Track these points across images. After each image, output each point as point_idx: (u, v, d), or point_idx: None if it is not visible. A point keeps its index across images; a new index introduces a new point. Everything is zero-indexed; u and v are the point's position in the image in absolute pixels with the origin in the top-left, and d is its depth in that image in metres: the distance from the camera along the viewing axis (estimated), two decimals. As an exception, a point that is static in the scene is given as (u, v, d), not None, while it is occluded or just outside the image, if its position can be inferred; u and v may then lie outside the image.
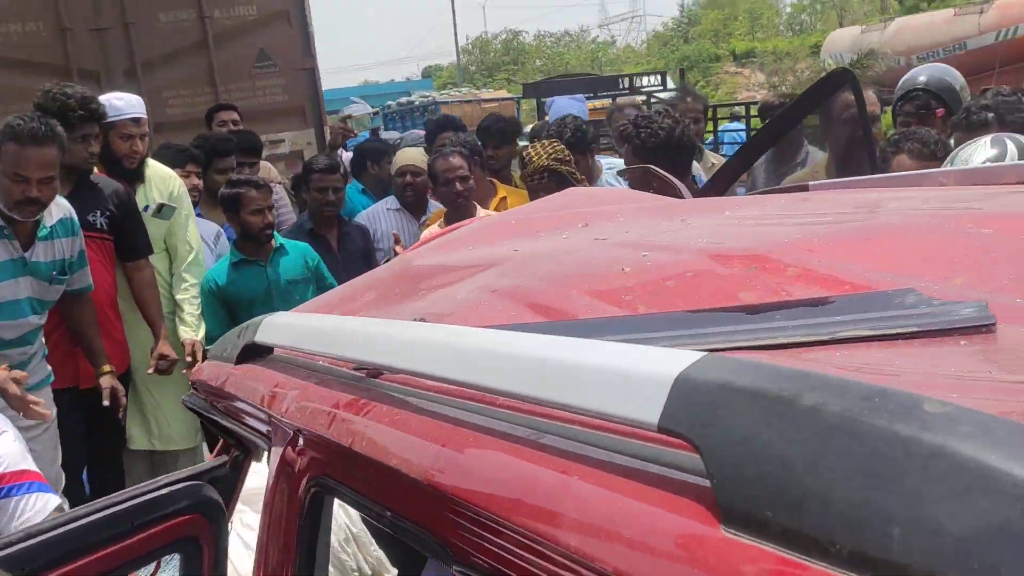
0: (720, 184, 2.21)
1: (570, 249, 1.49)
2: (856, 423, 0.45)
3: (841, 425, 0.46)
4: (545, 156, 3.69)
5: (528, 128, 6.13)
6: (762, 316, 0.96)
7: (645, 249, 1.38)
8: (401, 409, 0.94)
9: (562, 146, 3.67)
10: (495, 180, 4.78)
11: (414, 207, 4.87)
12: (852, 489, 0.44)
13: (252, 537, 2.27)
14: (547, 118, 5.61)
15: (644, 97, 8.97)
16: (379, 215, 4.91)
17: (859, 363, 0.81)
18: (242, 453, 1.87)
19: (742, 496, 0.49)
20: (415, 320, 1.23)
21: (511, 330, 0.85)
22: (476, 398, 0.88)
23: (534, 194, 3.71)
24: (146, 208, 3.89)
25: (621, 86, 8.78)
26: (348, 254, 4.32)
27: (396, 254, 3.90)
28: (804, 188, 1.93)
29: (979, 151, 2.31)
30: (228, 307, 3.99)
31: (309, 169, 4.52)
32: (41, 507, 2.12)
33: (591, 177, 4.40)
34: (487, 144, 5.09)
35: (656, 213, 1.74)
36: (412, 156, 4.92)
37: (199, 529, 1.10)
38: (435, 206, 5.02)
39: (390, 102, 20.71)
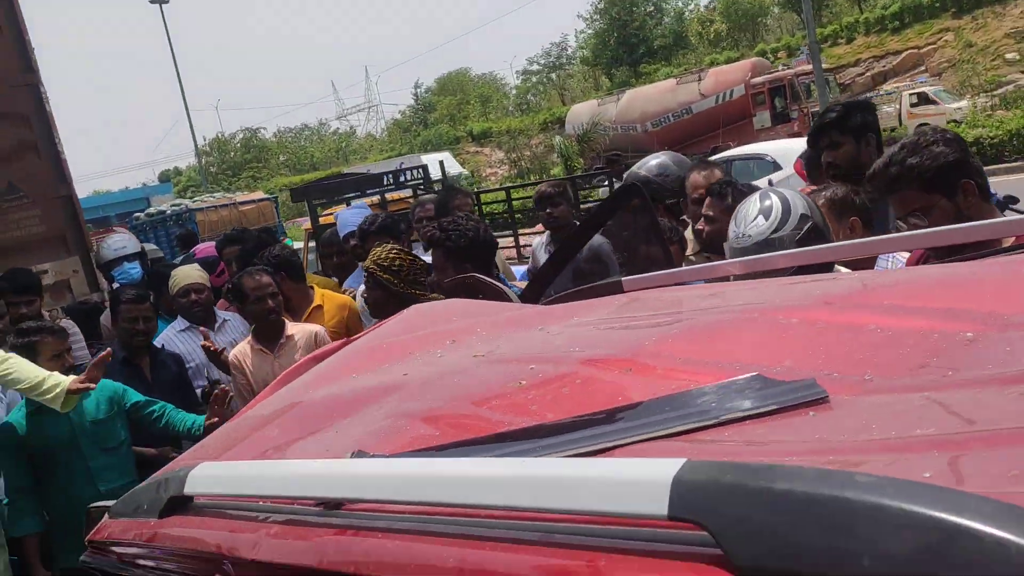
0: (535, 291, 2.52)
1: (458, 369, 1.72)
2: (817, 495, 0.73)
3: (807, 499, 0.74)
4: (371, 259, 3.86)
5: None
6: (656, 410, 1.25)
7: (527, 363, 1.64)
8: (399, 534, 1.13)
9: (396, 253, 3.84)
10: (315, 286, 4.93)
11: (203, 320, 4.91)
12: (824, 538, 0.71)
13: None
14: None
15: (410, 192, 9.39)
16: (171, 340, 4.89)
17: (748, 438, 1.11)
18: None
19: (750, 555, 0.75)
20: (352, 454, 1.41)
21: (473, 453, 1.07)
22: (466, 515, 1.09)
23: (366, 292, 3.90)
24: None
25: (387, 182, 9.14)
26: (162, 383, 4.26)
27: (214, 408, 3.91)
28: (618, 285, 2.28)
29: (751, 207, 2.75)
30: (28, 456, 3.80)
31: (117, 299, 4.44)
32: None
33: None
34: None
35: (511, 325, 2.01)
36: (190, 274, 5.00)
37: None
38: (223, 315, 5.06)
39: (138, 213, 19.87)
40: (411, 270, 3.76)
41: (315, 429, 1.70)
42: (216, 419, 3.85)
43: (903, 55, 34.38)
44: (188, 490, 1.53)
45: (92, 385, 3.71)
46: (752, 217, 2.75)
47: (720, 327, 1.60)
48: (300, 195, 9.08)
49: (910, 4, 35.38)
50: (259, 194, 23.12)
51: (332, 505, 1.33)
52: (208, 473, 1.52)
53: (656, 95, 30.59)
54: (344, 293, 5.17)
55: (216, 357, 4.53)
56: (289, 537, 1.32)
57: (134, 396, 3.98)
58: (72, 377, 3.76)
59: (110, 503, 2.77)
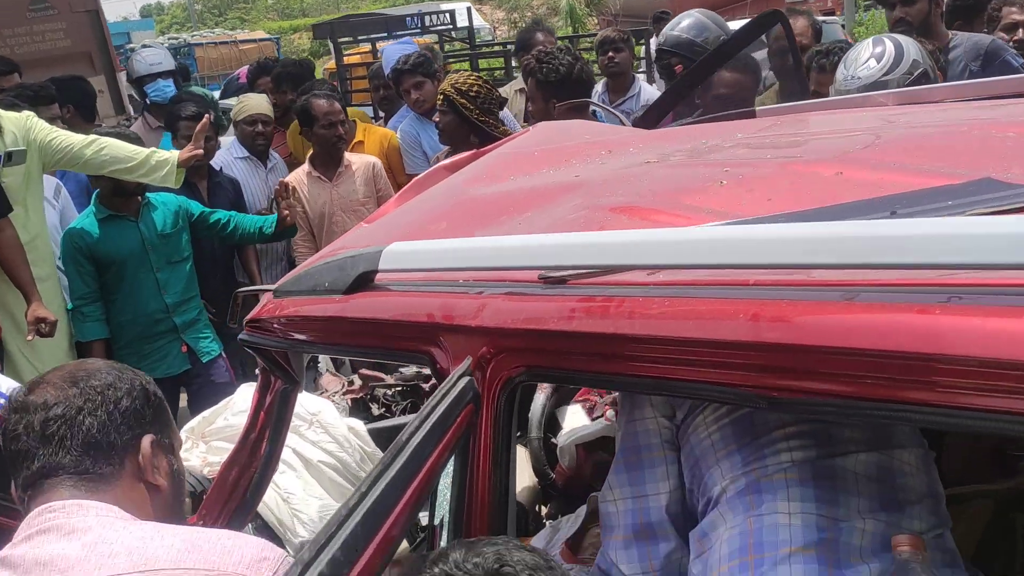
0: (653, 117, 2.51)
1: (638, 172, 1.73)
2: None
3: None
4: (449, 83, 3.79)
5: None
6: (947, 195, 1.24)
7: (716, 167, 1.66)
8: (669, 298, 1.16)
9: (475, 80, 3.77)
10: (356, 120, 4.86)
11: (262, 154, 4.84)
12: None
13: (304, 455, 2.35)
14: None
15: (435, 37, 9.12)
16: (229, 164, 4.83)
17: None
18: (290, 385, 1.97)
19: None
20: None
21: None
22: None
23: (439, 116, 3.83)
24: (-4, 160, 3.59)
25: (410, 26, 8.85)
26: (218, 205, 4.23)
27: (281, 203, 3.89)
28: (751, 114, 2.28)
29: (863, 51, 2.75)
30: (96, 265, 3.80)
31: (176, 116, 4.35)
32: None
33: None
34: (282, 90, 5.22)
35: (664, 139, 2.01)
36: (260, 104, 4.86)
37: (474, 419, 1.26)
38: (275, 156, 5.00)
39: (131, 45, 19.18)
40: (487, 98, 3.71)
41: (494, 220, 1.72)
42: (288, 212, 3.85)
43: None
44: (383, 265, 1.55)
45: (200, 152, 3.68)
46: (863, 60, 2.75)
47: (908, 139, 1.61)
48: (323, 32, 8.79)
49: None
50: (260, 33, 22.37)
51: (556, 282, 1.36)
52: (407, 250, 1.55)
53: None
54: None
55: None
56: (524, 304, 1.36)
57: (198, 207, 3.96)
58: (176, 152, 3.71)
59: (262, 287, 2.82)
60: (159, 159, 3.66)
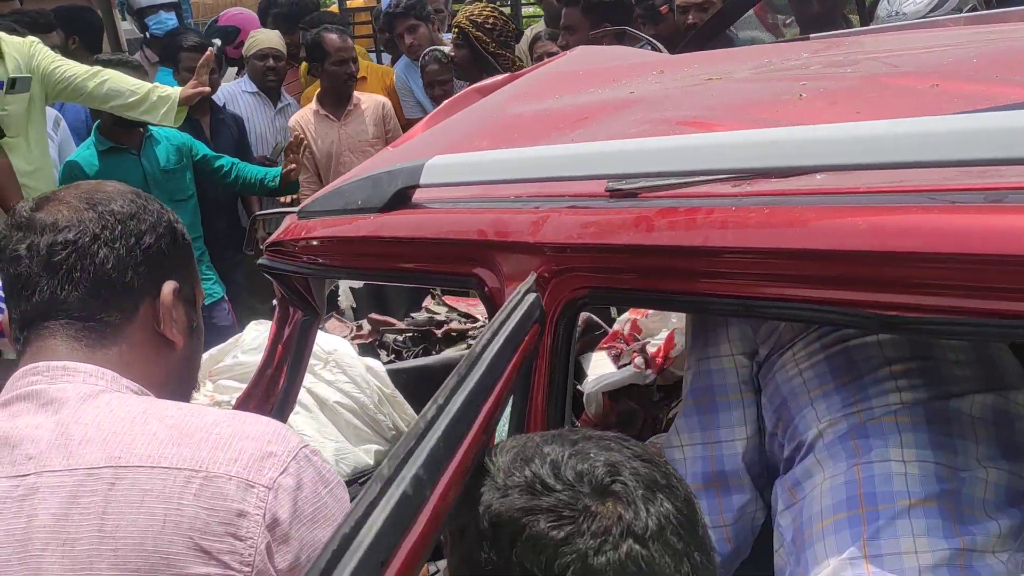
0: (698, 41, 2.36)
1: (704, 87, 1.58)
2: None
3: None
4: (464, 15, 3.64)
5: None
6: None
7: (791, 81, 1.51)
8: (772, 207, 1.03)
9: (491, 11, 3.61)
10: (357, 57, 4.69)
11: (272, 91, 4.65)
12: None
13: (319, 396, 2.23)
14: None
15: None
16: (235, 96, 4.64)
17: None
18: (311, 317, 1.84)
19: None
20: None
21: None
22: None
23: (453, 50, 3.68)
24: (-1, 85, 3.40)
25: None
26: (221, 143, 4.06)
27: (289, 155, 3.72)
28: (806, 39, 2.12)
29: None
30: None
31: (178, 46, 4.15)
32: None
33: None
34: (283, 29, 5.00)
35: (718, 60, 1.86)
36: (272, 39, 4.65)
37: (538, 342, 1.12)
38: (287, 97, 4.81)
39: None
40: (503, 31, 3.55)
41: (544, 136, 1.58)
42: (295, 166, 3.69)
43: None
44: (426, 180, 1.41)
45: (206, 89, 3.51)
46: None
47: (1001, 53, 1.47)
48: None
49: None
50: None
51: (627, 194, 1.23)
52: (453, 162, 1.40)
53: None
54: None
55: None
56: (581, 216, 1.22)
57: (203, 148, 3.78)
58: (178, 88, 3.54)
59: (284, 209, 2.67)
60: (160, 95, 3.47)
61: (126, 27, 7.28)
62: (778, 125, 1.31)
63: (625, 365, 2.63)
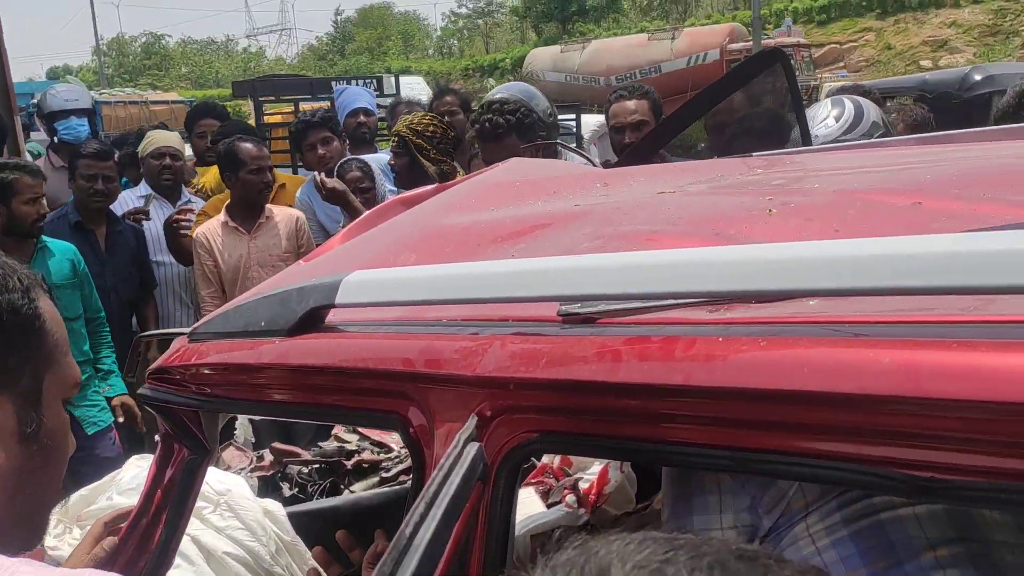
0: (635, 157, 2.24)
1: (658, 201, 1.43)
2: None
3: None
4: (404, 124, 3.55)
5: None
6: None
7: (754, 195, 1.37)
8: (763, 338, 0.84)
9: (431, 119, 3.53)
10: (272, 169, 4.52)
11: (169, 192, 4.40)
12: None
13: (206, 545, 1.90)
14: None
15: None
16: (128, 202, 4.38)
17: None
18: (199, 455, 1.57)
19: None
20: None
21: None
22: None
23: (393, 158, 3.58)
24: None
25: (336, 89, 8.57)
26: (117, 256, 3.77)
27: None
28: (748, 156, 2.03)
29: (822, 110, 2.65)
30: None
31: (77, 154, 3.89)
32: None
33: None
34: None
35: (669, 173, 1.72)
36: (169, 137, 4.45)
37: (479, 502, 0.89)
38: (191, 197, 4.57)
39: (35, 100, 18.34)
40: (443, 139, 3.46)
41: (480, 252, 1.39)
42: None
43: (825, 48, 35.14)
44: (343, 299, 1.19)
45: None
46: (822, 118, 2.65)
47: (979, 172, 1.36)
48: (244, 90, 8.45)
49: (837, 0, 36.18)
50: (173, 95, 21.74)
51: (583, 320, 1.03)
52: (376, 279, 1.19)
53: (624, 49, 28.37)
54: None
55: (174, 234, 4.06)
56: (531, 346, 1.01)
57: (90, 278, 3.52)
58: None
59: (173, 330, 2.37)
60: None
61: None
62: (751, 242, 1.15)
63: (555, 504, 2.41)
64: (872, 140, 2.10)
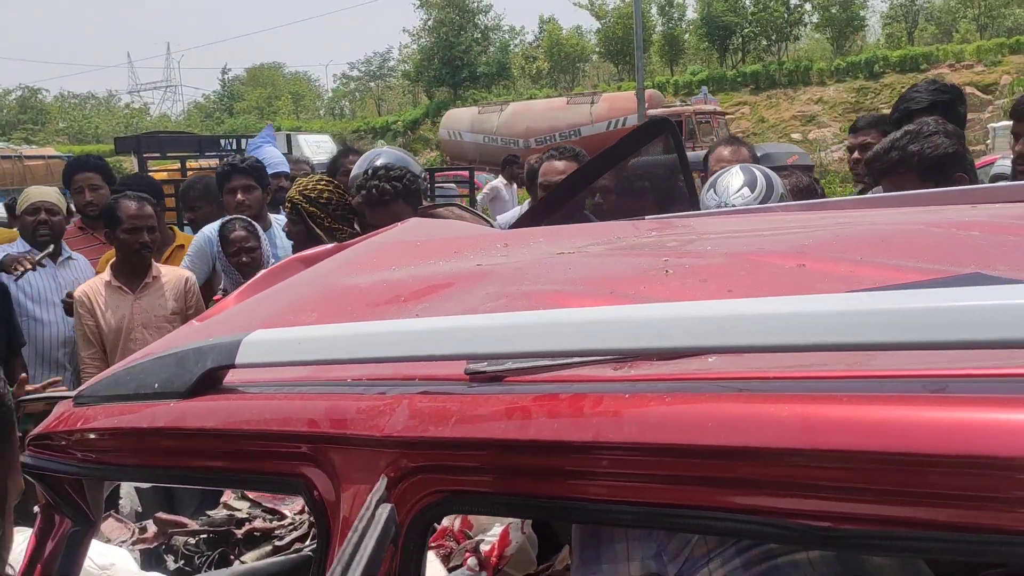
0: (535, 220, 2.29)
1: (557, 261, 1.46)
2: None
3: None
4: (296, 189, 3.47)
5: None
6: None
7: (649, 256, 1.42)
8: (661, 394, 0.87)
9: (325, 185, 3.46)
10: (174, 228, 4.37)
11: (46, 246, 4.20)
12: None
13: None
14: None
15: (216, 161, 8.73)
16: None
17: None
18: (83, 527, 1.49)
19: None
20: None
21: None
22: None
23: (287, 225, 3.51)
24: None
25: (224, 146, 8.45)
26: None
27: None
28: (640, 219, 2.10)
29: (733, 180, 2.69)
30: None
31: None
32: None
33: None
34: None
35: (567, 235, 1.77)
36: (47, 192, 4.25)
37: (391, 566, 0.87)
38: (72, 253, 4.36)
39: None
40: (339, 205, 3.41)
41: (382, 310, 1.38)
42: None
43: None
44: (243, 359, 1.17)
45: None
46: (736, 188, 2.70)
47: (861, 236, 1.45)
48: (127, 146, 8.21)
49: (715, 75, 38.10)
50: (50, 150, 20.89)
51: (490, 378, 1.04)
52: (278, 338, 1.17)
53: (544, 112, 28.78)
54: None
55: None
56: (439, 404, 1.01)
57: None
58: None
59: (55, 393, 2.22)
60: None
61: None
62: (649, 302, 1.19)
63: (456, 567, 2.38)
64: (747, 208, 2.19)
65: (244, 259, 3.73)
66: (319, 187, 3.46)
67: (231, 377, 1.22)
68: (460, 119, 32.18)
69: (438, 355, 1.02)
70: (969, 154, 2.62)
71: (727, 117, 35.93)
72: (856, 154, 3.91)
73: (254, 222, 3.87)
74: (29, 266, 3.70)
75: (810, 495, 0.79)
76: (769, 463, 0.80)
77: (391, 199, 3.12)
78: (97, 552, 1.93)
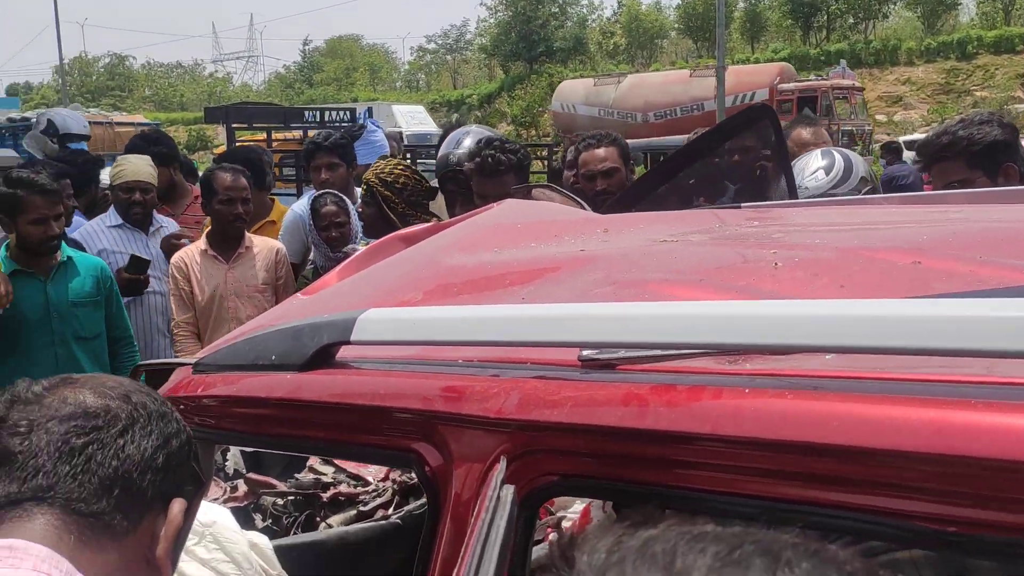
0: (626, 204, 2.29)
1: (660, 249, 1.47)
2: None
3: None
4: (373, 172, 3.52)
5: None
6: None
7: (757, 248, 1.41)
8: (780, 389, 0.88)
9: (401, 170, 3.51)
10: (274, 199, 4.49)
11: (141, 224, 4.35)
12: None
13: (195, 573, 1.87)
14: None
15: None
16: (97, 234, 4.31)
17: None
18: (194, 487, 1.56)
19: None
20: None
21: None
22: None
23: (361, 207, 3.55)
24: None
25: (308, 118, 8.60)
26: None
27: None
28: (736, 207, 2.08)
29: (812, 162, 2.68)
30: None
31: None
32: None
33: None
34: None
35: (664, 222, 1.77)
36: (140, 169, 4.35)
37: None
38: (161, 220, 4.50)
39: (25, 116, 18.09)
40: (414, 190, 3.44)
41: (487, 292, 1.41)
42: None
43: (787, 98, 35.92)
44: (358, 336, 1.21)
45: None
46: (812, 170, 2.68)
47: (977, 233, 1.42)
48: (216, 116, 8.43)
49: (797, 52, 37.18)
50: (140, 118, 21.53)
51: (603, 365, 1.06)
52: (394, 317, 1.21)
53: (664, 85, 26.63)
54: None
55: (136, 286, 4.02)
56: (555, 390, 1.04)
57: (116, 293, 3.46)
58: None
59: (174, 360, 2.33)
60: None
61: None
62: (761, 295, 1.20)
63: (538, 542, 2.41)
64: (861, 196, 2.16)
65: (334, 233, 3.79)
66: (396, 171, 3.50)
67: (345, 353, 1.26)
68: (574, 91, 30.00)
69: (551, 342, 1.05)
70: (1022, 147, 2.53)
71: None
72: None
73: (344, 197, 3.93)
74: (186, 241, 3.89)
75: (934, 499, 0.79)
76: (894, 464, 0.80)
77: (505, 170, 3.15)
78: (201, 510, 2.02)
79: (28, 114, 18.31)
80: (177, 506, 1.03)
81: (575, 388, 1.03)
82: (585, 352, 1.06)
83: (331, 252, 3.67)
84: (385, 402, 1.18)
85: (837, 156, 2.75)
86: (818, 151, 2.83)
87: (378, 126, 6.02)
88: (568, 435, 1.01)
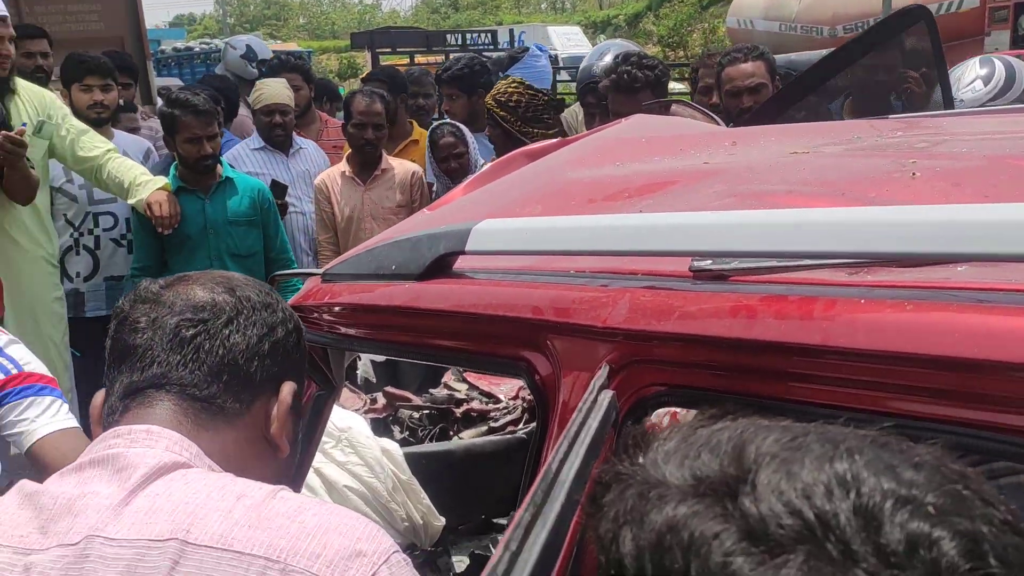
0: (769, 114, 2.18)
1: (792, 161, 1.40)
2: None
3: None
4: (491, 94, 3.53)
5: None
6: None
7: (893, 157, 1.33)
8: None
9: (515, 88, 3.50)
10: (413, 121, 4.58)
11: (282, 145, 4.51)
12: None
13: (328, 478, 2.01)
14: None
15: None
16: (241, 158, 4.49)
17: None
18: (327, 392, 1.64)
19: None
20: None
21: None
22: None
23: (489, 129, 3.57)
24: (23, 125, 3.29)
25: (450, 42, 8.64)
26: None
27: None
28: (884, 118, 1.95)
29: (969, 71, 2.47)
30: (159, 238, 3.48)
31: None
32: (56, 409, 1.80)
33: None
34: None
35: (802, 133, 1.68)
36: (278, 92, 4.47)
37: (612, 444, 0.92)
38: (300, 142, 4.63)
39: (163, 47, 19.08)
40: (530, 106, 3.42)
41: (607, 205, 1.39)
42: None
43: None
44: (473, 246, 1.22)
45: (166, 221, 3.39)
46: (968, 81, 2.46)
47: None
48: (362, 41, 8.58)
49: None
50: (293, 46, 22.20)
51: (715, 276, 1.03)
52: (507, 228, 1.21)
53: None
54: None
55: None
56: (663, 300, 1.02)
57: (275, 214, 3.65)
58: (161, 179, 3.43)
59: (306, 270, 2.48)
60: (141, 183, 3.40)
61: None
62: (896, 205, 1.12)
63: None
64: (1010, 107, 1.97)
65: (453, 164, 3.82)
66: (509, 90, 3.47)
67: (461, 263, 1.28)
68: (752, 5, 27.23)
69: (661, 251, 1.03)
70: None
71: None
72: None
73: (463, 127, 3.95)
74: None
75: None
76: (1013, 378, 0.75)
77: (641, 87, 3.07)
78: (337, 416, 2.13)
79: (191, 43, 19.20)
80: (287, 388, 1.08)
81: (684, 298, 1.01)
82: (696, 263, 1.04)
83: (451, 183, 3.70)
84: (497, 311, 1.19)
85: (998, 64, 2.52)
86: (976, 59, 2.60)
87: (543, 50, 5.99)
88: (675, 345, 1.00)
